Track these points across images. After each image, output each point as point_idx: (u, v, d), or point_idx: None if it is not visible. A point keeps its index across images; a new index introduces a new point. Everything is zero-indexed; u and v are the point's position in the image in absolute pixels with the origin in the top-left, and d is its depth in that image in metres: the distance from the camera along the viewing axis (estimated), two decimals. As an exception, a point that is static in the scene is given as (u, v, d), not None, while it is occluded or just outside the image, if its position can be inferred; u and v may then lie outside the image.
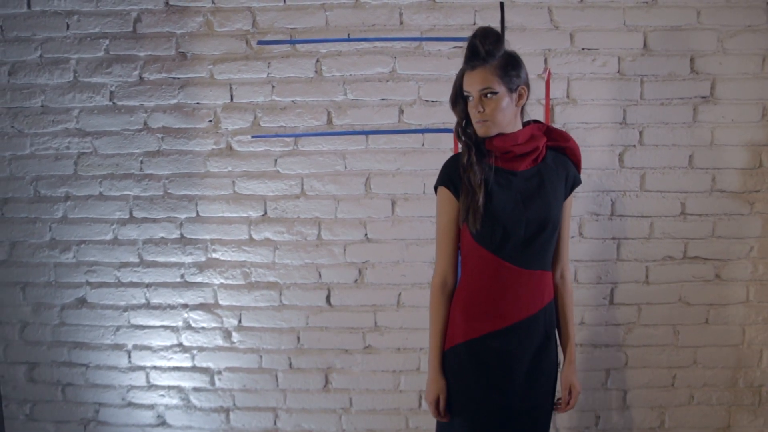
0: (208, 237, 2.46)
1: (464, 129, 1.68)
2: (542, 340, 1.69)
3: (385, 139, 2.38)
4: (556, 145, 1.72)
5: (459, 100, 1.67)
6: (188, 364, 2.52)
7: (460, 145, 1.72)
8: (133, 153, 2.43)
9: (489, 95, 1.59)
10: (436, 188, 1.75)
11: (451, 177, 1.69)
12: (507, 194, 1.64)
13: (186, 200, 2.45)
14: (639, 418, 2.46)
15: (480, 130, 1.63)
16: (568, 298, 1.78)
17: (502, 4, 2.27)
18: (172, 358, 2.52)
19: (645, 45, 2.29)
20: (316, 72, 2.36)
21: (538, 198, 1.64)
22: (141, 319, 2.51)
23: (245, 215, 2.44)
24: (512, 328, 1.65)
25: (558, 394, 1.78)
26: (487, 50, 1.58)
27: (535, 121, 1.75)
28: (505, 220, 1.62)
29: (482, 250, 1.66)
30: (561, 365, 1.79)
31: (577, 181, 1.74)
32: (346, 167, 2.40)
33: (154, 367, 2.53)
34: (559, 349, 1.78)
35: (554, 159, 1.71)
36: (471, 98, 1.62)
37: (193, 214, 2.45)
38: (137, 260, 2.48)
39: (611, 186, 2.34)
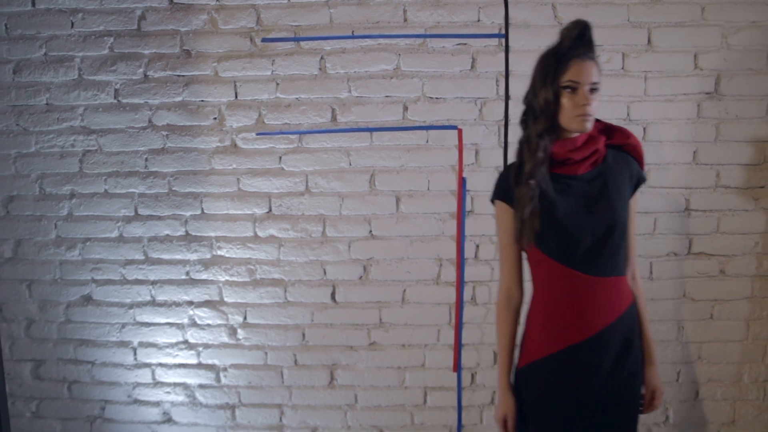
0: (213, 234, 2.46)
1: (551, 122, 1.55)
2: (622, 347, 1.61)
3: (389, 136, 2.38)
4: (617, 143, 1.65)
5: (550, 85, 1.54)
6: (194, 361, 2.52)
7: (527, 138, 1.60)
8: (138, 150, 2.44)
9: (595, 90, 1.53)
10: (492, 201, 1.69)
11: (506, 189, 1.63)
12: (569, 201, 1.57)
13: (191, 197, 2.45)
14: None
15: (580, 124, 1.54)
16: (642, 298, 1.70)
17: (506, 1, 2.27)
18: (177, 355, 2.52)
19: (649, 41, 2.29)
20: (320, 69, 2.36)
21: (602, 201, 1.57)
22: (146, 316, 2.52)
23: (250, 212, 2.45)
24: (592, 340, 1.57)
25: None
26: (593, 44, 1.54)
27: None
28: (571, 228, 1.55)
29: (551, 261, 1.59)
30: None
31: (641, 178, 1.67)
32: (350, 164, 2.40)
33: (160, 364, 2.53)
34: None
35: (615, 158, 1.63)
36: (572, 89, 1.52)
37: (198, 212, 2.45)
38: (142, 257, 2.49)
39: (615, 182, 2.34)
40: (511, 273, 1.68)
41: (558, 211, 1.56)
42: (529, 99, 1.63)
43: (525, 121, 1.65)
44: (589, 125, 1.55)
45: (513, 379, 1.71)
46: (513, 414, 1.66)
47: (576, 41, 1.54)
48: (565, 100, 1.54)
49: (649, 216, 2.36)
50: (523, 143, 1.63)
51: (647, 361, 1.71)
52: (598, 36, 2.25)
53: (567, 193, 1.58)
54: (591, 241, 1.56)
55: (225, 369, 2.52)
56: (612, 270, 1.60)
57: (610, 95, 2.30)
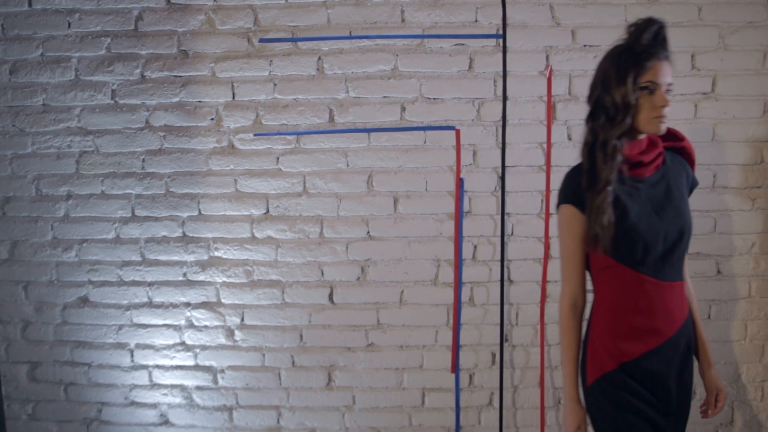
0: (210, 235, 2.45)
1: (630, 124, 1.50)
2: (684, 352, 1.60)
3: (386, 137, 2.38)
4: (671, 145, 1.63)
5: (630, 85, 1.48)
6: (191, 362, 2.51)
7: (600, 142, 1.53)
8: (135, 151, 2.43)
9: (670, 91, 1.50)
10: (558, 206, 1.63)
11: (576, 192, 1.57)
12: (639, 205, 1.53)
13: (188, 198, 2.44)
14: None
15: (656, 126, 1.51)
16: (694, 301, 1.70)
17: (503, 1, 2.28)
18: (174, 356, 2.51)
19: (646, 41, 2.29)
20: (317, 70, 2.36)
21: (670, 205, 1.55)
22: (143, 317, 2.51)
23: (247, 213, 2.44)
24: (664, 346, 1.55)
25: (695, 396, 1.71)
26: (667, 43, 1.50)
27: None
28: (644, 233, 1.51)
29: (621, 267, 1.55)
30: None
31: (695, 182, 1.65)
32: (348, 165, 2.40)
33: (157, 366, 2.52)
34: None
35: (672, 160, 1.61)
36: (650, 90, 1.49)
37: (196, 213, 2.45)
38: (139, 259, 2.48)
39: (613, 182, 2.35)
40: (577, 279, 1.62)
41: (630, 216, 1.52)
42: (597, 98, 1.56)
43: (594, 122, 1.58)
44: (664, 127, 1.52)
45: (582, 395, 1.66)
46: (585, 425, 1.62)
47: (655, 42, 1.50)
48: (643, 101, 1.49)
49: (646, 216, 2.36)
50: (596, 146, 1.56)
51: (706, 363, 1.69)
52: (595, 36, 2.29)
53: (636, 197, 1.54)
54: (663, 246, 1.53)
55: (222, 371, 2.51)
56: (678, 275, 1.59)
57: (608, 96, 2.31)
